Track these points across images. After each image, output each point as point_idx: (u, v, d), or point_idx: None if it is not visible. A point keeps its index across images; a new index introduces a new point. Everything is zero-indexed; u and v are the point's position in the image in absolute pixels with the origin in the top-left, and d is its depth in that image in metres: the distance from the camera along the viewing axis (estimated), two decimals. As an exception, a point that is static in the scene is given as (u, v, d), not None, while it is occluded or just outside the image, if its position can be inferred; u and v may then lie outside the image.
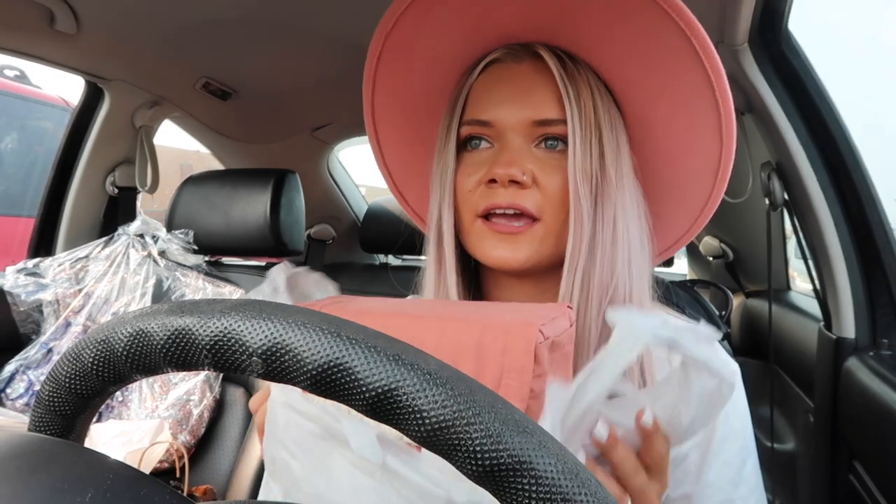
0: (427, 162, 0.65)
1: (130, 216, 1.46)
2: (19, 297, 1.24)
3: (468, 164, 0.58)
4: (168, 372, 0.27)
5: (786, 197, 1.04)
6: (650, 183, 0.61)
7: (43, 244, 1.44)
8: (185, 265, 1.35)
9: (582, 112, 0.55)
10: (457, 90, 0.61)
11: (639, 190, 0.59)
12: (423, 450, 0.25)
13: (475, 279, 0.65)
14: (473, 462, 0.23)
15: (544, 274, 0.58)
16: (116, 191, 1.48)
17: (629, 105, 0.59)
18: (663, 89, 0.57)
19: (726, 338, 0.75)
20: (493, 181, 0.55)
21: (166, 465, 1.10)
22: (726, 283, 1.77)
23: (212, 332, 0.25)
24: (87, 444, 0.32)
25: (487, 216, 0.56)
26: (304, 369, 0.24)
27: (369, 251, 1.98)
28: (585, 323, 0.54)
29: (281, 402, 0.41)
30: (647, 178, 0.61)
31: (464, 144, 0.59)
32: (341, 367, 0.24)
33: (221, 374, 1.21)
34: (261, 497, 0.49)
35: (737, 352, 0.83)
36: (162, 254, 1.34)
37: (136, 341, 0.27)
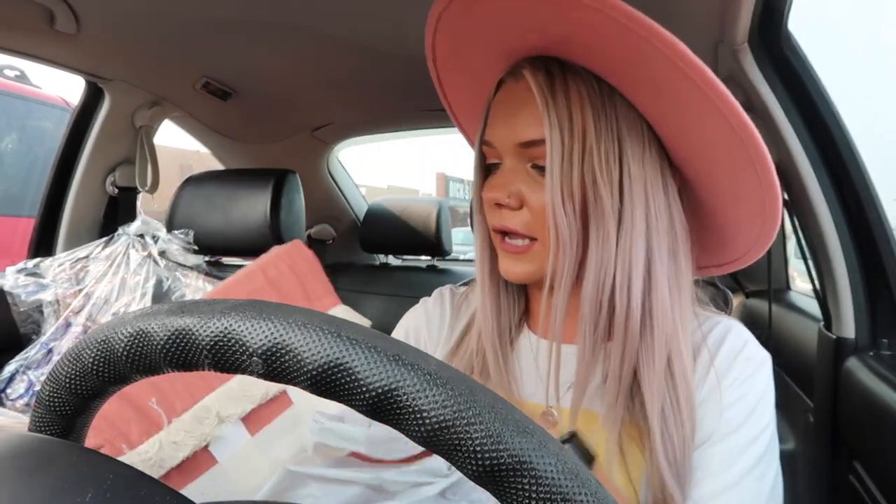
0: None
1: (130, 216, 1.45)
2: (19, 297, 1.24)
3: (487, 183, 0.60)
4: (168, 372, 0.27)
5: (786, 197, 1.04)
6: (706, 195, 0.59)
7: (43, 244, 1.44)
8: (185, 265, 1.35)
9: (565, 129, 0.52)
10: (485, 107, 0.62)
11: (668, 201, 0.56)
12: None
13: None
14: (474, 462, 0.23)
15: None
16: (116, 191, 1.48)
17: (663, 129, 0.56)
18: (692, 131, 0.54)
19: None
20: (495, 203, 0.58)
21: (166, 465, 1.10)
22: (726, 283, 1.77)
23: (212, 332, 0.25)
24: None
25: (502, 234, 0.59)
26: (305, 369, 0.24)
27: (369, 251, 1.97)
28: (588, 330, 0.54)
29: (315, 475, 0.42)
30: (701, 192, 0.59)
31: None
32: (341, 368, 0.24)
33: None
34: None
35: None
36: (162, 254, 1.34)
37: (137, 341, 0.27)
